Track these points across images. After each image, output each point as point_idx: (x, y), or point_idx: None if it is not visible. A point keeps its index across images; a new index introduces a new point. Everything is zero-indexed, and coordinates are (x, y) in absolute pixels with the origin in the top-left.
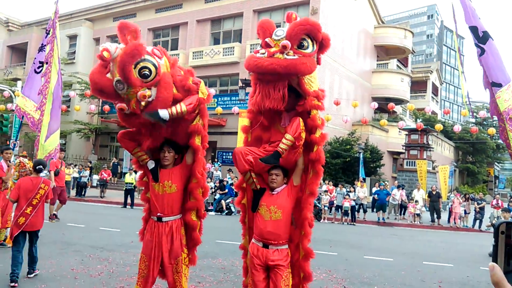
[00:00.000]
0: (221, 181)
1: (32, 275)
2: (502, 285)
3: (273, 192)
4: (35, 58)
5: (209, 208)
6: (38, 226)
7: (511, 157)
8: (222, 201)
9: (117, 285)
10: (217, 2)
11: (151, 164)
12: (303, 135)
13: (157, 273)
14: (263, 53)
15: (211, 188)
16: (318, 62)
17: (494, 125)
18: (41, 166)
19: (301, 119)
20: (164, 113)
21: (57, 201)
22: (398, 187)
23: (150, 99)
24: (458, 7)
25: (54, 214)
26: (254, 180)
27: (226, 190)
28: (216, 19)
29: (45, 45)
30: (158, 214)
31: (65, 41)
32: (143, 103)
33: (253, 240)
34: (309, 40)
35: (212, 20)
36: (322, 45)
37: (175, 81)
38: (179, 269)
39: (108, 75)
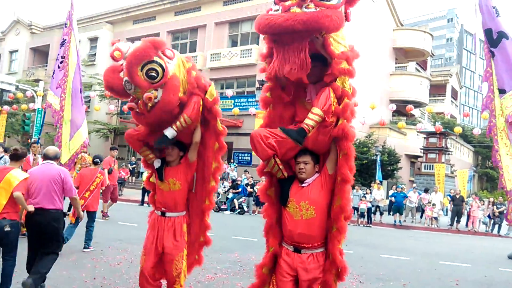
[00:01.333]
0: (233, 180)
1: (87, 250)
2: None
3: (303, 185)
4: (58, 54)
5: (222, 207)
6: (95, 208)
7: (492, 156)
8: (235, 200)
9: (136, 274)
10: (235, 4)
11: (157, 163)
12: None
13: (154, 266)
14: (277, 10)
15: (224, 187)
16: (347, 19)
17: None
18: (98, 160)
19: (331, 90)
20: (171, 132)
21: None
22: (426, 190)
23: (156, 100)
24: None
25: (106, 212)
26: (280, 167)
27: (239, 190)
28: (234, 22)
29: (65, 40)
30: (163, 209)
31: (86, 43)
32: (149, 104)
33: (283, 244)
34: None
35: (230, 22)
36: None
37: (189, 86)
38: (179, 265)
39: (122, 73)
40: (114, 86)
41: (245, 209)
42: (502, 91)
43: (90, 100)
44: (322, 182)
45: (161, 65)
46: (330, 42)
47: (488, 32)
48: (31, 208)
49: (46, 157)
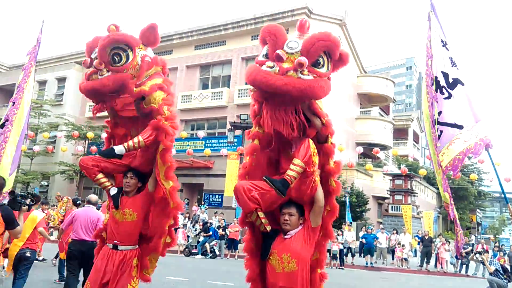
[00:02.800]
0: (204, 223)
1: None
2: None
3: (285, 236)
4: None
5: (193, 251)
6: None
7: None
8: (206, 244)
9: None
10: (206, 49)
11: (113, 190)
12: (316, 159)
13: None
14: (271, 67)
15: (195, 230)
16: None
17: (475, 172)
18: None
19: (310, 141)
20: (120, 149)
21: None
22: (382, 229)
23: (101, 76)
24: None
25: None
26: (263, 221)
27: (211, 233)
28: (205, 65)
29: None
30: (115, 242)
31: (54, 83)
32: (96, 75)
33: None
34: (325, 58)
35: (201, 66)
36: (339, 62)
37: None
38: None
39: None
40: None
41: (217, 252)
42: (459, 126)
43: (56, 140)
44: (305, 236)
45: (128, 56)
46: (317, 106)
47: (445, 75)
48: (52, 238)
49: (89, 202)
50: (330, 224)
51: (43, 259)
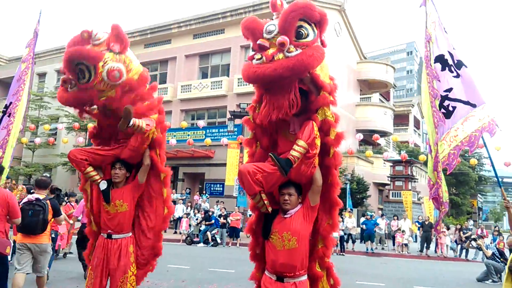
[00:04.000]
0: (206, 211)
1: None
2: None
3: (285, 216)
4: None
5: (195, 239)
6: None
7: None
8: (208, 232)
9: None
10: (205, 38)
11: (103, 185)
12: (318, 142)
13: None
14: (260, 58)
15: (197, 219)
16: (323, 45)
17: (475, 156)
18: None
19: (314, 123)
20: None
21: None
22: (382, 215)
23: (71, 89)
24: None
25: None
26: (265, 202)
27: (212, 221)
28: (204, 54)
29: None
30: (109, 231)
31: (53, 75)
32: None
33: (266, 272)
34: (307, 25)
35: (200, 55)
36: (321, 22)
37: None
38: (124, 286)
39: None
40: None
41: (218, 241)
42: (472, 105)
43: (57, 132)
44: (304, 214)
45: (90, 74)
46: (318, 74)
47: (451, 55)
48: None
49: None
50: (334, 194)
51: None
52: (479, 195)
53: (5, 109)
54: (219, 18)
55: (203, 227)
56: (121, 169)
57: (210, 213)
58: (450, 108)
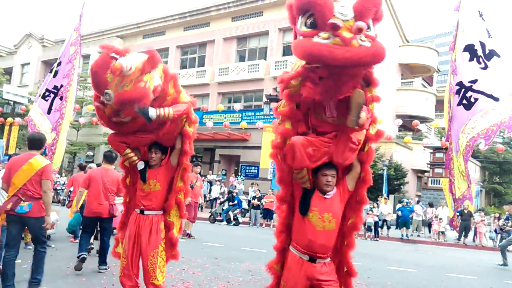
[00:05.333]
0: (230, 192)
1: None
2: None
3: (326, 196)
4: (60, 58)
5: (217, 218)
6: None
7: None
8: (230, 212)
9: None
10: (243, 20)
11: (140, 165)
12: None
13: (132, 261)
14: (326, 38)
15: (220, 199)
16: None
17: None
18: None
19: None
20: (152, 113)
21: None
22: (418, 202)
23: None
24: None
25: (188, 233)
26: (310, 177)
27: (235, 202)
28: (242, 37)
29: (75, 45)
30: (141, 207)
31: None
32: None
33: (294, 251)
34: (370, 20)
35: (238, 38)
36: (378, 22)
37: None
38: (154, 260)
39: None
40: (100, 83)
41: (240, 220)
42: (495, 98)
43: None
44: (341, 196)
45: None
46: (373, 70)
47: (482, 45)
48: None
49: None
50: (364, 191)
51: None
52: None
53: (55, 90)
54: (258, 1)
55: (226, 207)
56: (156, 152)
57: (234, 194)
58: (472, 100)
